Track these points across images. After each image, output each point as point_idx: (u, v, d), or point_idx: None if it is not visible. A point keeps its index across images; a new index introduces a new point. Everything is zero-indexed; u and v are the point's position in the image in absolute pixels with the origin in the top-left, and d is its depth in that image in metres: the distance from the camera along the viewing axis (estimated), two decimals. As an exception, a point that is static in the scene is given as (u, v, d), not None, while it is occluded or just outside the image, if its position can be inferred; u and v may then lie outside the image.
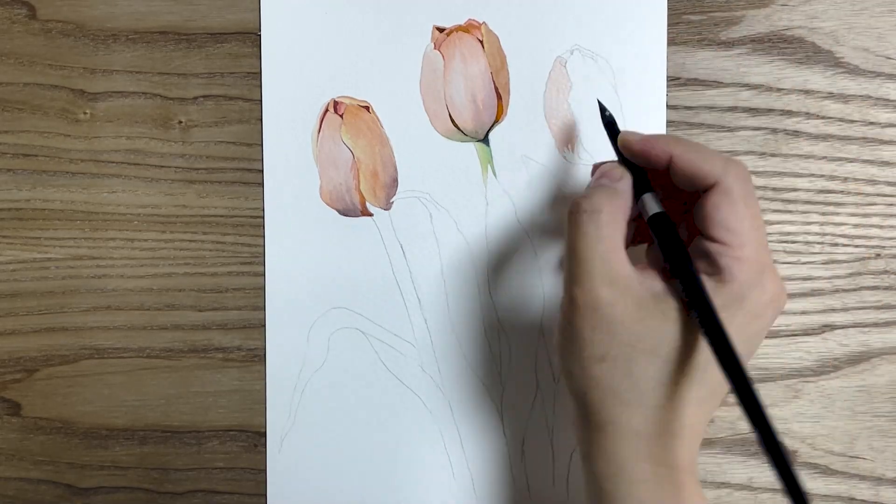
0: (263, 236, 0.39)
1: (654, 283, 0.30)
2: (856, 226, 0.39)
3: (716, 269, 0.29)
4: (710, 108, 0.39)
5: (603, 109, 0.35)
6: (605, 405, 0.30)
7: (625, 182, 0.32)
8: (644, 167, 0.32)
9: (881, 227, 0.39)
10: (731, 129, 0.39)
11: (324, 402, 0.40)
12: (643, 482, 0.30)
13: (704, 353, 0.30)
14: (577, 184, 0.39)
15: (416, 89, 0.39)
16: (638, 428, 0.30)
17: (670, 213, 0.31)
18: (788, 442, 0.39)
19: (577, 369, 0.31)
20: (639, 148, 0.32)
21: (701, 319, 0.29)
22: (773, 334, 0.39)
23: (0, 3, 0.40)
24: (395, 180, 0.39)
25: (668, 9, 0.39)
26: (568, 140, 0.39)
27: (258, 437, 0.40)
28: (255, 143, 0.39)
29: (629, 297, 0.30)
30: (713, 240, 0.30)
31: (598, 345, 0.30)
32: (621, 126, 0.37)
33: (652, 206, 0.31)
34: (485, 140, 0.39)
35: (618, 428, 0.30)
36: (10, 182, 0.40)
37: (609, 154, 0.34)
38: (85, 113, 0.40)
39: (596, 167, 0.34)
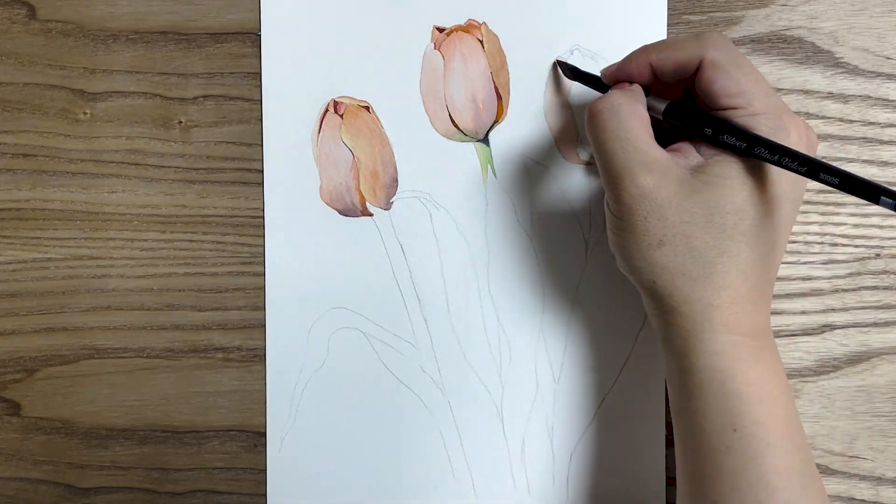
0: (263, 236, 0.39)
1: (688, 159, 0.32)
2: (856, 226, 0.39)
3: None
4: (710, 108, 0.39)
5: (563, 68, 0.38)
6: (676, 286, 0.31)
7: (635, 86, 0.33)
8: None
9: (881, 227, 0.39)
10: (731, 129, 0.39)
11: (324, 402, 0.40)
12: (720, 353, 0.31)
13: (757, 210, 0.31)
14: (577, 184, 0.39)
15: (416, 89, 0.39)
16: (710, 299, 0.31)
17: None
18: (788, 442, 0.39)
19: (639, 261, 0.32)
20: (621, 73, 0.34)
21: (756, 147, 0.30)
22: (773, 334, 0.39)
23: (0, 3, 0.40)
24: (395, 180, 0.39)
25: (668, 9, 0.39)
26: (568, 140, 0.39)
27: (258, 437, 0.40)
28: (255, 143, 0.39)
29: (670, 177, 0.31)
30: (724, 109, 0.31)
31: (653, 232, 0.31)
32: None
33: (660, 104, 0.33)
34: (485, 140, 0.39)
35: (692, 305, 0.31)
36: (10, 182, 0.40)
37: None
38: (85, 113, 0.40)
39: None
